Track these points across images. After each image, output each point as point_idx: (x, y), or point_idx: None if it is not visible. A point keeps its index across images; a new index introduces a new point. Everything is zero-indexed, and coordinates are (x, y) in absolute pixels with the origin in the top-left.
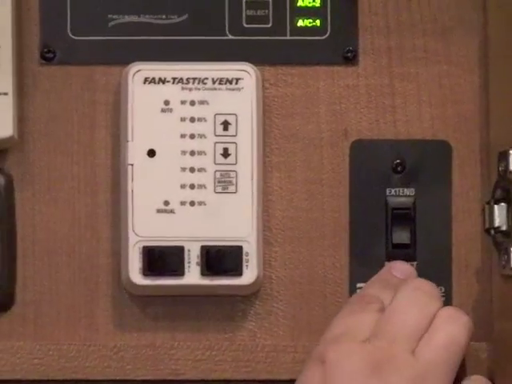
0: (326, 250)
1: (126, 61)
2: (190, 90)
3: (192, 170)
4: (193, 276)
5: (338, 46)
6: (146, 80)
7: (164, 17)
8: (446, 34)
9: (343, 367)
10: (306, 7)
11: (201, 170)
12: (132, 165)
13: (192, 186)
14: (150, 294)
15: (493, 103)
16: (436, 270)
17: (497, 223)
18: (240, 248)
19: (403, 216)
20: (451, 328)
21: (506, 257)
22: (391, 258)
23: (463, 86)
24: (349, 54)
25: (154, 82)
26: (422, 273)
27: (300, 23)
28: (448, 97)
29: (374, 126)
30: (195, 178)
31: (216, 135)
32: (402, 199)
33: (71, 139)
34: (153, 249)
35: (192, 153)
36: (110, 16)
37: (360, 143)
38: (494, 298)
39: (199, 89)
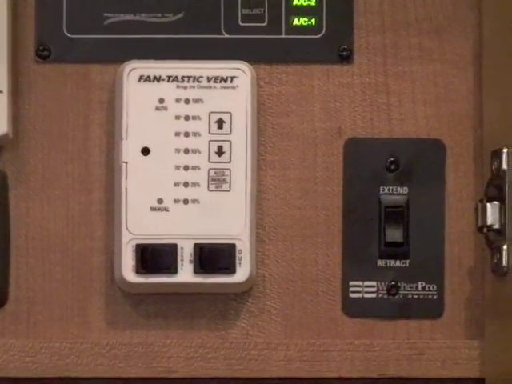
0: (318, 248)
1: (121, 59)
2: (185, 88)
3: (186, 168)
4: (186, 274)
5: (333, 44)
6: (140, 78)
7: (160, 15)
8: (441, 32)
9: None
10: (302, 6)
11: (195, 168)
12: (126, 163)
13: (186, 184)
14: (143, 292)
15: (486, 102)
16: (429, 268)
17: (489, 221)
18: (233, 246)
19: (396, 214)
20: None
21: (498, 255)
22: (384, 256)
23: (457, 85)
24: (344, 53)
25: (149, 80)
26: (414, 271)
27: (295, 22)
28: (442, 95)
29: (368, 125)
30: (189, 176)
31: (210, 133)
32: (396, 197)
33: (66, 137)
34: (146, 246)
35: (186, 151)
36: (105, 14)
37: (354, 141)
38: (486, 296)
39: (194, 87)
